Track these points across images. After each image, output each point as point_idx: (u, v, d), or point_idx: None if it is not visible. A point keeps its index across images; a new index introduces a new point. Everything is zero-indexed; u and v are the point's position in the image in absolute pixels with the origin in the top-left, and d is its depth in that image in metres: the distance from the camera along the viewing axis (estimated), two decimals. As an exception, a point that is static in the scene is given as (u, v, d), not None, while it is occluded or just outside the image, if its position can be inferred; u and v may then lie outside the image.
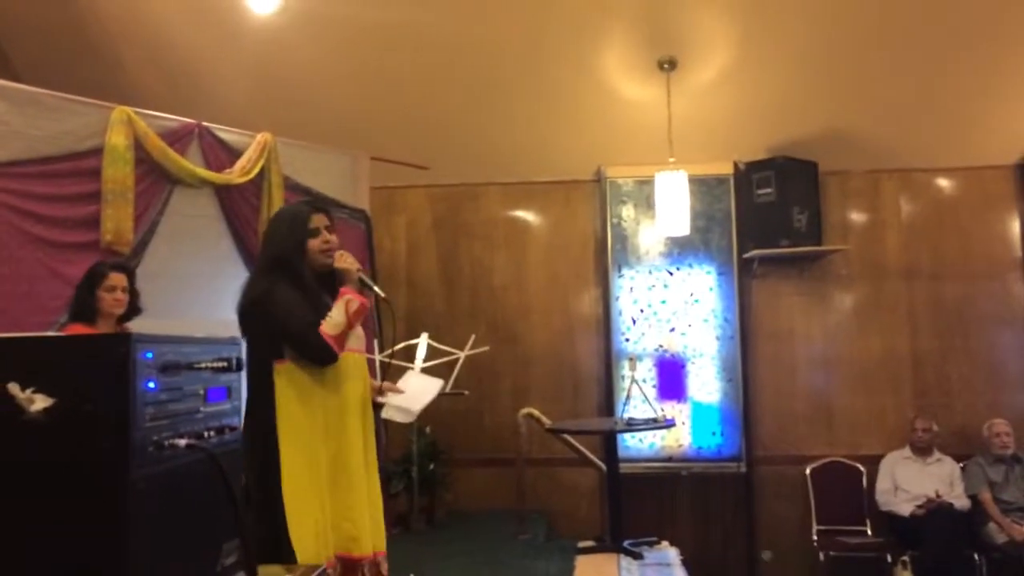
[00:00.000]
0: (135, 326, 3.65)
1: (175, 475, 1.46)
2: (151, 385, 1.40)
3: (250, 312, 2.84)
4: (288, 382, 2.80)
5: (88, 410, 1.33)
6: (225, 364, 1.68)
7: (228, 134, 4.61)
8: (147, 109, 4.25)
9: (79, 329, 3.45)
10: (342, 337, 2.82)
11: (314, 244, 2.91)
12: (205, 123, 4.50)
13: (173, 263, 4.28)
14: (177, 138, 4.32)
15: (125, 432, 1.33)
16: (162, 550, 1.42)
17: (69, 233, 3.86)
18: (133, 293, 3.64)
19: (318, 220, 2.94)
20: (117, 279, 3.56)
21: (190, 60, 5.33)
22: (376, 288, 3.08)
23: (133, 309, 3.65)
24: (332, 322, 2.80)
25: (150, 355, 1.41)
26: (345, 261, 2.93)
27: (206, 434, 1.58)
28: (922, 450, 5.69)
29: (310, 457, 2.79)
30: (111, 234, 3.93)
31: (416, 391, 3.32)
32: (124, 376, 1.34)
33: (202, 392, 1.61)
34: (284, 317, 2.78)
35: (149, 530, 1.37)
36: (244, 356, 1.78)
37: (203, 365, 1.61)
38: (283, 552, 2.62)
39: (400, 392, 3.24)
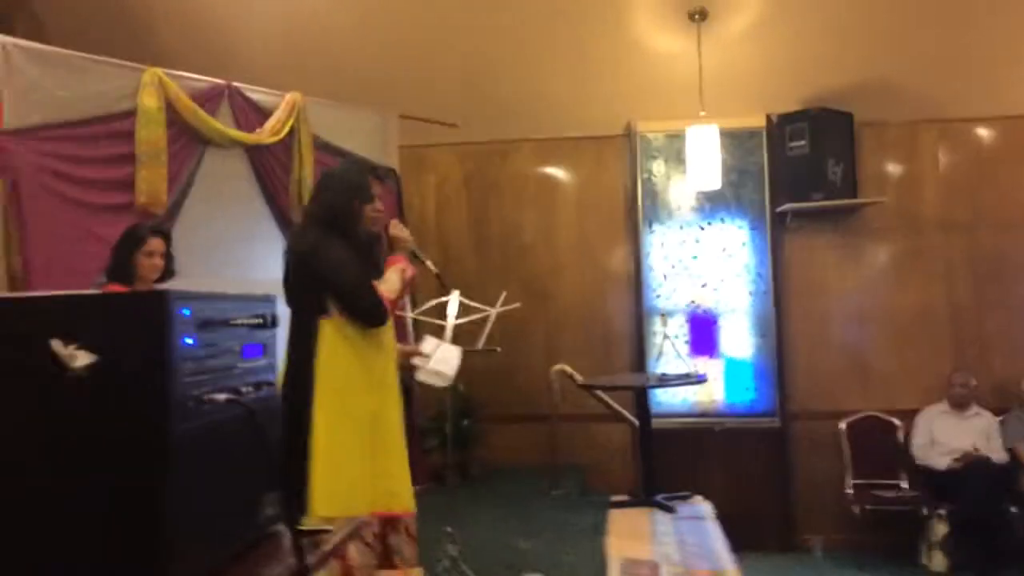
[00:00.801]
0: (172, 285, 3.69)
1: (214, 429, 1.48)
2: (189, 341, 1.42)
3: (303, 263, 2.84)
4: (340, 336, 2.82)
5: (128, 365, 1.34)
6: (260, 320, 1.70)
7: (258, 94, 4.62)
8: (177, 70, 4.26)
9: (117, 289, 3.49)
10: (395, 302, 2.91)
11: (368, 209, 2.96)
12: (235, 83, 4.51)
13: (206, 224, 4.32)
14: (207, 99, 4.34)
15: (165, 387, 1.35)
16: (203, 502, 1.44)
17: (105, 195, 3.91)
18: (169, 257, 3.67)
19: (376, 187, 2.99)
20: (156, 244, 3.57)
21: (220, 20, 5.32)
22: (429, 263, 3.14)
23: (168, 272, 3.68)
24: (389, 285, 2.89)
25: (187, 312, 1.42)
26: (401, 230, 3.02)
27: (243, 389, 1.60)
28: (960, 405, 5.64)
29: (355, 412, 2.82)
30: (145, 196, 3.97)
31: (443, 355, 3.37)
32: (163, 332, 1.35)
33: (238, 348, 1.62)
34: (338, 273, 2.81)
35: (190, 483, 1.39)
36: (278, 313, 1.78)
37: (239, 321, 1.62)
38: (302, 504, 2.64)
39: (426, 356, 3.30)
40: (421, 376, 3.25)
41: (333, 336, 2.81)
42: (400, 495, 2.91)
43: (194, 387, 1.43)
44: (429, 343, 3.45)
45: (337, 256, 2.81)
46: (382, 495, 2.86)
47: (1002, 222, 5.90)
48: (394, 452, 2.93)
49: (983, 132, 5.98)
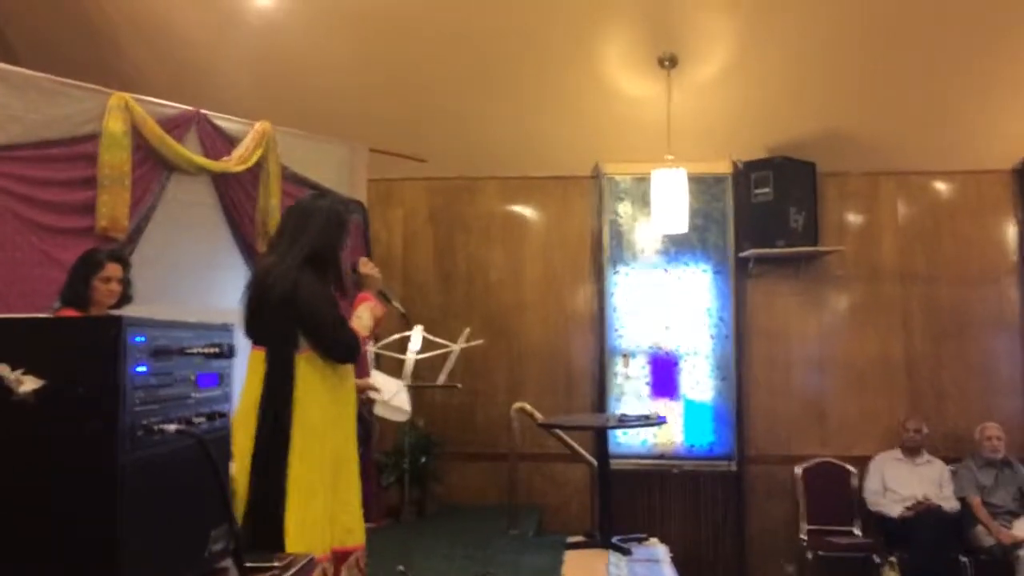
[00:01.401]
0: (130, 312, 3.63)
1: (164, 460, 1.46)
2: (141, 369, 1.40)
3: (282, 299, 2.78)
4: (313, 370, 2.81)
5: (78, 392, 1.32)
6: (217, 350, 1.67)
7: (226, 122, 4.61)
8: (147, 96, 4.24)
9: (71, 314, 3.43)
10: (367, 339, 2.96)
11: (345, 250, 2.99)
12: (203, 111, 4.49)
13: (169, 250, 4.27)
14: (175, 125, 4.32)
15: (114, 415, 1.33)
16: (150, 534, 1.41)
17: (65, 218, 3.86)
18: (126, 283, 3.62)
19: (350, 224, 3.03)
20: (113, 270, 3.53)
21: (191, 47, 5.31)
22: (396, 302, 3.15)
23: (125, 298, 3.63)
24: (362, 323, 2.92)
25: (141, 339, 1.40)
26: (371, 268, 3.04)
27: (196, 420, 1.58)
28: (912, 451, 5.70)
29: (325, 449, 2.81)
30: (106, 220, 3.92)
31: (395, 390, 3.39)
32: (114, 359, 1.33)
33: (193, 378, 1.60)
34: (318, 311, 2.79)
35: (137, 514, 1.36)
36: (236, 343, 1.77)
37: (194, 351, 1.60)
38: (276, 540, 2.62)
39: (377, 390, 3.31)
40: (380, 410, 3.26)
41: (308, 372, 2.79)
42: (354, 531, 2.92)
43: (145, 416, 1.41)
44: (379, 377, 3.46)
45: (315, 293, 2.80)
46: (339, 531, 2.86)
47: (958, 275, 6.02)
48: (352, 487, 2.93)
49: (940, 186, 6.12)
